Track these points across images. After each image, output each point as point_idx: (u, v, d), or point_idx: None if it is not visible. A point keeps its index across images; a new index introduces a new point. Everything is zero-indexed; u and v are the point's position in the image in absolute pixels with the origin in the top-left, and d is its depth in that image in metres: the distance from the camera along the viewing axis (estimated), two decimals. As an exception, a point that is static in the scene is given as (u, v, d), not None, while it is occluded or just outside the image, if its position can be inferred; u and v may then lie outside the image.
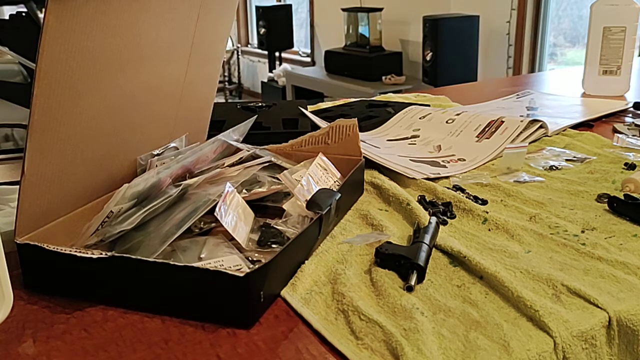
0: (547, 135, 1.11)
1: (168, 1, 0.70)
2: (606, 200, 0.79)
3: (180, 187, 0.69)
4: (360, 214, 0.78)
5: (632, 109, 1.30)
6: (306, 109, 1.16)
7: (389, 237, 0.69)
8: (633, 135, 1.10)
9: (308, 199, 0.69)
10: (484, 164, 0.97)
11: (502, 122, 1.09)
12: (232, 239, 0.64)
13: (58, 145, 0.60)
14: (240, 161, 0.82)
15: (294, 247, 0.61)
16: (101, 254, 0.56)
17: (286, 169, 0.78)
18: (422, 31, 3.69)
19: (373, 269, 0.63)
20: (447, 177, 0.91)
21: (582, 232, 0.72)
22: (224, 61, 5.06)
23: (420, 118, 1.18)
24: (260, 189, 0.75)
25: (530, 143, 1.06)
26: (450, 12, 3.89)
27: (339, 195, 0.70)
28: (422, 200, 0.81)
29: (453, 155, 1.01)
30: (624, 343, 0.57)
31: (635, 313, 0.56)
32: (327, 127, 0.85)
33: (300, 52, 5.95)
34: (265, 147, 0.86)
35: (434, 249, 0.67)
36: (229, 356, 0.51)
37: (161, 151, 0.79)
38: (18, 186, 0.57)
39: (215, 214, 0.60)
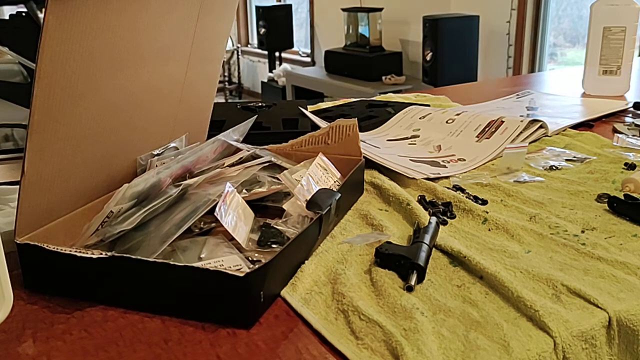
0: (547, 135, 1.11)
1: (168, 1, 0.70)
2: (606, 200, 0.79)
3: (180, 187, 0.69)
4: (360, 214, 0.78)
5: (632, 109, 1.30)
6: (306, 109, 1.16)
7: (389, 237, 0.69)
8: (633, 135, 1.10)
9: (308, 199, 0.69)
10: (484, 164, 0.97)
11: (502, 122, 1.09)
12: (232, 239, 0.64)
13: (58, 145, 0.60)
14: (240, 161, 0.82)
15: (294, 247, 0.61)
16: (101, 254, 0.56)
17: (286, 169, 0.78)
18: (422, 31, 3.69)
19: (373, 269, 0.63)
20: (447, 177, 0.91)
21: (582, 232, 0.72)
22: (224, 61, 5.06)
23: (420, 118, 1.18)
24: (260, 189, 0.75)
25: (530, 143, 1.06)
26: (450, 12, 3.89)
27: (339, 195, 0.70)
28: (422, 200, 0.81)
29: (453, 155, 1.01)
30: (624, 343, 0.57)
31: (635, 313, 0.56)
32: (327, 127, 0.85)
33: (300, 52, 5.95)
34: (265, 147, 0.86)
35: (434, 249, 0.67)
36: (229, 356, 0.51)
37: (161, 151, 0.79)
38: (18, 186, 0.57)
39: (215, 214, 0.60)
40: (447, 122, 1.13)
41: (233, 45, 6.65)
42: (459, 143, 1.06)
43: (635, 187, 0.83)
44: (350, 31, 4.57)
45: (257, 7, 5.57)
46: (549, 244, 0.69)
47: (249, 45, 6.80)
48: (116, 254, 0.56)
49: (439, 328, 0.53)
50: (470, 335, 0.52)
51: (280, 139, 0.88)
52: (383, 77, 4.09)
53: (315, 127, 1.03)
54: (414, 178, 0.88)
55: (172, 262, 0.54)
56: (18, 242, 0.59)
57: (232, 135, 0.85)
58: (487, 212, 0.76)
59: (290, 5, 5.61)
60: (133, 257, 0.56)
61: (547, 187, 0.86)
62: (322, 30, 5.53)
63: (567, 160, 0.98)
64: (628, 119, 1.23)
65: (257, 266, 0.54)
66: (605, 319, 0.55)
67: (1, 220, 0.68)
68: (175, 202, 0.70)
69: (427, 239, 0.65)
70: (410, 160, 0.97)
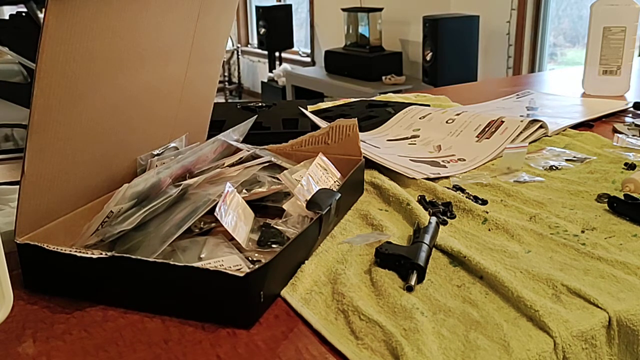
0: (547, 135, 1.11)
1: (168, 1, 0.70)
2: (606, 200, 0.79)
3: (180, 187, 0.69)
4: (360, 214, 0.78)
5: (632, 109, 1.30)
6: (306, 109, 1.16)
7: (389, 237, 0.69)
8: (633, 135, 1.10)
9: (308, 199, 0.69)
10: (484, 164, 0.97)
11: (502, 122, 1.09)
12: (232, 239, 0.64)
13: (58, 145, 0.60)
14: (240, 161, 0.82)
15: (294, 247, 0.61)
16: (101, 254, 0.56)
17: (286, 169, 0.78)
18: (422, 31, 3.69)
19: (373, 269, 0.63)
20: (447, 177, 0.91)
21: (582, 232, 0.72)
22: (224, 61, 5.05)
23: (420, 118, 1.18)
24: (260, 189, 0.75)
25: (530, 143, 1.06)
26: (450, 12, 3.89)
27: (339, 195, 0.70)
28: (422, 200, 0.81)
29: (453, 155, 1.01)
30: (624, 343, 0.57)
31: (635, 313, 0.56)
32: (327, 127, 0.85)
33: (300, 52, 5.95)
34: (265, 147, 0.86)
35: (434, 249, 0.67)
36: (229, 356, 0.51)
37: (161, 151, 0.79)
38: (18, 186, 0.57)
39: (215, 214, 0.60)
40: (447, 122, 1.13)
41: (233, 45, 6.65)
42: (459, 143, 1.06)
43: (635, 187, 0.83)
44: (350, 31, 4.57)
45: (257, 7, 5.57)
46: (549, 244, 0.69)
47: (249, 45, 6.80)
48: (116, 254, 0.56)
49: (439, 328, 0.53)
50: (470, 335, 0.52)
51: (280, 139, 0.88)
52: (383, 77, 4.09)
53: (315, 127, 1.03)
54: (414, 178, 0.88)
55: (172, 262, 0.54)
56: (18, 242, 0.59)
57: (232, 135, 0.85)
58: (487, 212, 0.76)
59: (290, 5, 5.61)
60: (133, 257, 0.56)
61: (547, 187, 0.86)
62: (322, 30, 5.53)
63: (567, 160, 0.98)
64: (628, 119, 1.23)
65: (257, 266, 0.54)
66: (605, 319, 0.55)
67: (1, 220, 0.68)
68: (175, 202, 0.70)
69: (427, 239, 0.65)
70: (410, 160, 0.97)
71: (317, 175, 0.76)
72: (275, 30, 5.49)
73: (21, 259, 0.60)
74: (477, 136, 1.07)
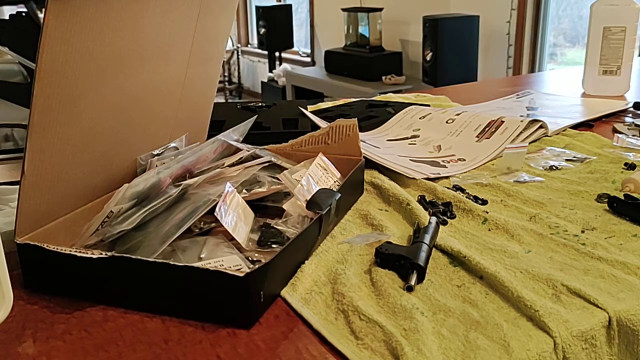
0: (547, 135, 1.11)
1: (168, 1, 0.70)
2: (606, 200, 0.79)
3: (180, 187, 0.69)
4: (360, 214, 0.78)
5: (632, 109, 1.30)
6: (306, 109, 1.16)
7: (389, 237, 0.69)
8: (633, 135, 1.10)
9: (308, 199, 0.69)
10: (484, 164, 0.97)
11: (502, 122, 1.09)
12: (232, 239, 0.64)
13: (58, 145, 0.60)
14: (240, 161, 0.82)
15: (294, 247, 0.61)
16: (101, 254, 0.56)
17: (286, 169, 0.78)
18: (422, 31, 3.69)
19: (373, 269, 0.63)
20: (447, 177, 0.91)
21: (582, 232, 0.72)
22: (224, 61, 5.06)
23: (420, 118, 1.18)
24: (260, 189, 0.75)
25: (530, 143, 1.06)
26: (450, 12, 3.89)
27: (339, 195, 0.70)
28: (422, 200, 0.81)
29: (453, 155, 1.01)
30: (624, 343, 0.57)
31: (635, 313, 0.56)
32: (327, 127, 0.85)
33: (300, 52, 5.95)
34: (265, 147, 0.86)
35: (434, 249, 0.67)
36: (229, 356, 0.51)
37: (161, 151, 0.79)
38: (18, 186, 0.57)
39: (215, 214, 0.60)
40: (447, 122, 1.13)
41: (233, 45, 6.65)
42: (459, 143, 1.06)
43: (635, 187, 0.83)
44: (350, 31, 4.58)
45: (257, 7, 5.58)
46: (549, 244, 0.69)
47: (249, 45, 6.80)
48: (116, 254, 0.56)
49: (439, 328, 0.53)
50: (470, 335, 0.52)
51: (280, 139, 0.88)
52: (383, 77, 4.09)
53: (315, 127, 1.03)
54: (414, 178, 0.88)
55: (172, 262, 0.54)
56: (18, 242, 0.59)
57: (232, 135, 0.85)
58: (487, 212, 0.76)
59: (290, 5, 5.61)
60: (133, 257, 0.56)
61: (547, 187, 0.86)
62: (322, 30, 5.53)
63: (567, 160, 0.98)
64: (628, 119, 1.23)
65: (257, 266, 0.54)
66: (605, 319, 0.55)
67: (1, 220, 0.68)
68: (175, 202, 0.70)
69: (427, 239, 0.65)
70: (410, 160, 0.97)
71: (317, 175, 0.76)
72: (275, 30, 5.49)
73: (21, 259, 0.60)
74: (477, 136, 1.07)
